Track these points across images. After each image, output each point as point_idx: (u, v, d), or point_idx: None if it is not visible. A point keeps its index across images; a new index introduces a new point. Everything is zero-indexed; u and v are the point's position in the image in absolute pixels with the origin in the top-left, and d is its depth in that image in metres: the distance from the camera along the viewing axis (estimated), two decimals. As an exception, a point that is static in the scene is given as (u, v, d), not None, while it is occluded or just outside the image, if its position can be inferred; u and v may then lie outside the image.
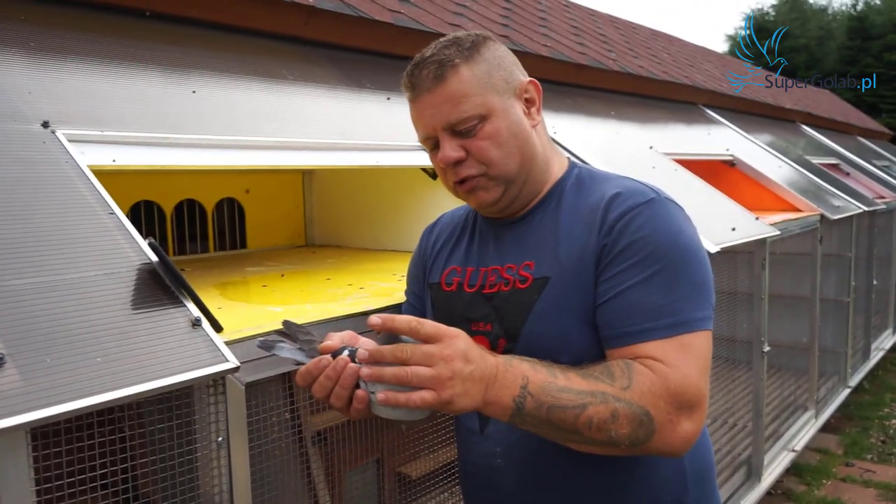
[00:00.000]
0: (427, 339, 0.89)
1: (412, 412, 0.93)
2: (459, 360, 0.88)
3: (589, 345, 1.06)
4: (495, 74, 1.11)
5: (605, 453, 1.01)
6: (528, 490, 1.14)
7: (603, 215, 1.07)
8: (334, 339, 1.00)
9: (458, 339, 0.90)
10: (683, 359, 0.99)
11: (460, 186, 1.13)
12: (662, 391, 0.97)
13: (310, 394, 1.01)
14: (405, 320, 0.88)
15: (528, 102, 1.15)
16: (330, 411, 1.84)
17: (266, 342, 1.05)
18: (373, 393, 0.92)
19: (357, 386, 0.94)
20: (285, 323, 1.06)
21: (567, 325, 1.07)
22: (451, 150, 1.09)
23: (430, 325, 0.89)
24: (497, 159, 1.10)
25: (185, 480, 1.12)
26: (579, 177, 1.17)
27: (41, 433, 0.96)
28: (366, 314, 1.40)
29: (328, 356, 0.96)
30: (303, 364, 0.99)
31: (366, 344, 1.03)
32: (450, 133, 1.10)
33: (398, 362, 0.88)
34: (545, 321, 1.08)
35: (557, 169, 1.19)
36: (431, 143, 1.13)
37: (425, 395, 0.87)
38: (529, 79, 1.15)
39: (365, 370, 0.91)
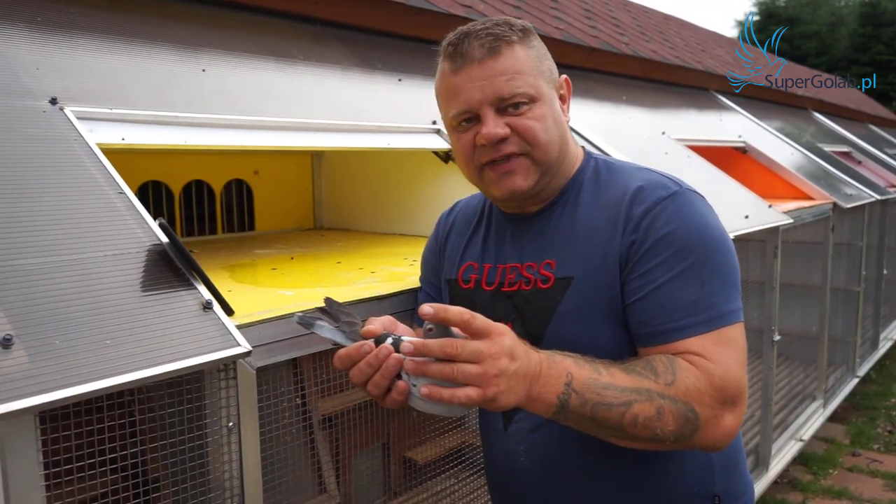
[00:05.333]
0: (476, 334, 0.87)
1: (452, 408, 0.91)
2: (506, 357, 0.86)
3: (615, 344, 1.04)
4: (544, 62, 1.10)
5: (646, 448, 1.01)
6: (552, 488, 1.13)
7: (627, 211, 1.05)
8: (376, 324, 0.98)
9: (504, 337, 0.88)
10: (724, 353, 0.98)
11: (494, 168, 1.08)
12: (707, 387, 0.96)
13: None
14: (458, 312, 0.86)
15: (562, 99, 1.14)
16: (337, 396, 1.82)
17: (305, 319, 1.02)
18: (414, 386, 0.91)
19: (398, 376, 0.92)
20: (327, 301, 1.04)
21: (592, 325, 1.05)
22: (496, 126, 1.05)
23: (480, 321, 0.87)
24: (543, 142, 1.07)
25: (196, 465, 1.11)
26: (597, 169, 1.14)
27: (49, 416, 0.95)
28: (378, 299, 1.37)
29: (370, 342, 0.94)
30: (342, 346, 0.97)
31: (404, 331, 1.02)
32: (495, 110, 1.06)
33: (446, 357, 0.86)
34: (569, 322, 1.06)
35: (575, 160, 1.16)
36: (465, 118, 1.08)
37: (470, 392, 0.85)
38: (564, 76, 1.15)
39: (409, 363, 0.89)
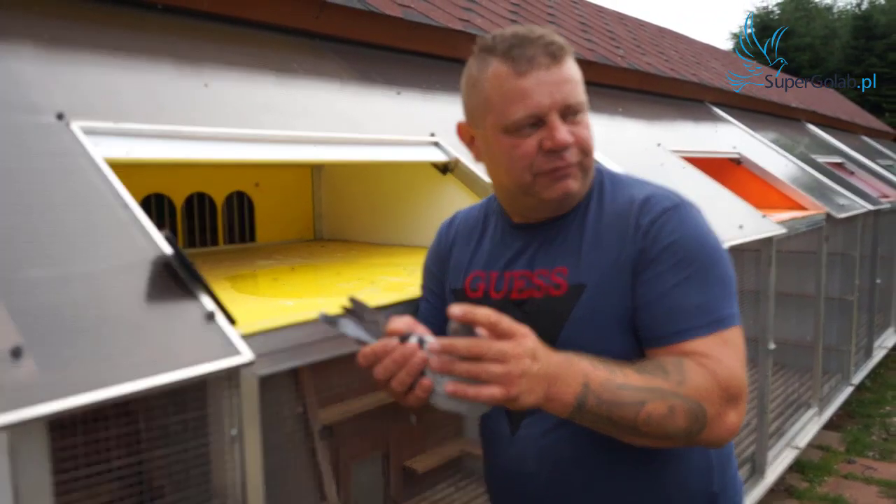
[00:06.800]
0: (501, 335, 0.90)
1: (474, 407, 0.93)
2: (529, 358, 0.90)
3: (625, 349, 1.07)
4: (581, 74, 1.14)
5: (655, 445, 1.04)
6: (559, 492, 1.15)
7: (636, 220, 1.09)
8: (398, 323, 1.00)
9: (528, 338, 0.91)
10: (727, 353, 1.03)
11: (553, 174, 1.09)
12: (713, 385, 1.00)
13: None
14: (485, 314, 0.89)
15: None
16: (337, 406, 1.84)
17: (329, 317, 1.04)
18: (438, 384, 0.93)
19: (421, 374, 0.95)
20: (352, 299, 1.06)
21: (604, 332, 1.08)
22: (567, 132, 1.07)
23: (506, 322, 0.90)
24: (591, 150, 1.12)
25: (199, 473, 1.12)
26: (601, 180, 1.18)
27: (57, 424, 0.97)
28: (379, 309, 1.39)
29: (395, 340, 0.96)
30: (366, 343, 0.99)
31: (424, 332, 1.03)
32: (559, 117, 1.07)
33: (472, 356, 0.89)
34: (582, 329, 1.09)
35: None
36: (532, 122, 1.07)
37: (494, 391, 0.88)
38: None
39: (435, 360, 0.92)
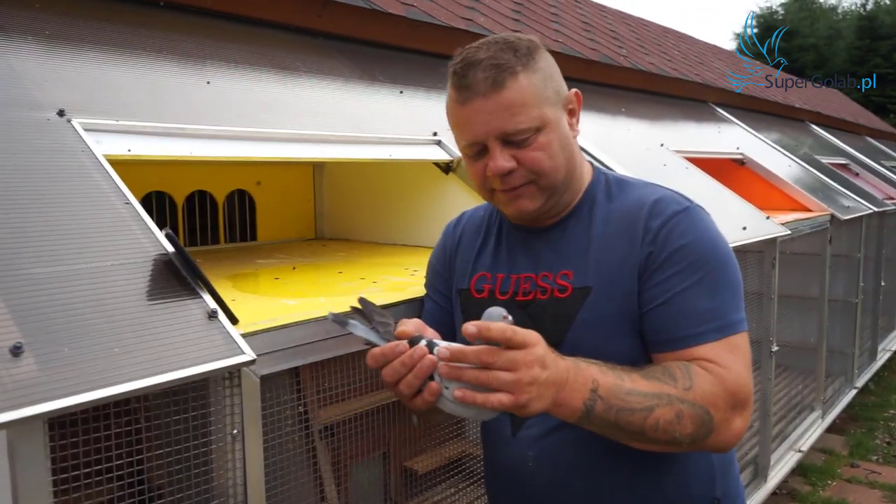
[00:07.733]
0: (514, 346, 0.90)
1: (482, 412, 0.93)
2: (538, 366, 0.90)
3: (631, 352, 1.07)
4: (549, 85, 1.10)
5: (661, 451, 1.04)
6: (558, 493, 1.14)
7: (645, 223, 1.09)
8: (409, 325, 1.01)
9: (538, 347, 0.91)
10: (734, 359, 1.03)
11: (503, 194, 1.12)
12: (721, 391, 1.00)
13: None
14: (500, 329, 0.89)
15: (570, 113, 1.14)
16: (338, 405, 1.83)
17: (339, 317, 1.05)
18: (447, 388, 0.93)
19: (429, 377, 0.95)
20: (361, 301, 1.06)
21: (610, 334, 1.08)
22: (503, 160, 1.07)
23: (521, 335, 0.90)
24: (548, 170, 1.09)
25: (200, 473, 1.12)
26: (608, 184, 1.18)
27: (57, 423, 0.96)
28: (388, 308, 1.39)
29: (405, 342, 0.96)
30: (374, 345, 0.99)
31: (432, 335, 1.04)
32: (501, 142, 1.07)
33: (482, 364, 0.89)
34: (588, 331, 1.09)
35: (586, 175, 1.19)
36: (476, 149, 1.10)
37: (503, 398, 0.88)
38: (574, 90, 1.16)
39: (444, 366, 0.92)
